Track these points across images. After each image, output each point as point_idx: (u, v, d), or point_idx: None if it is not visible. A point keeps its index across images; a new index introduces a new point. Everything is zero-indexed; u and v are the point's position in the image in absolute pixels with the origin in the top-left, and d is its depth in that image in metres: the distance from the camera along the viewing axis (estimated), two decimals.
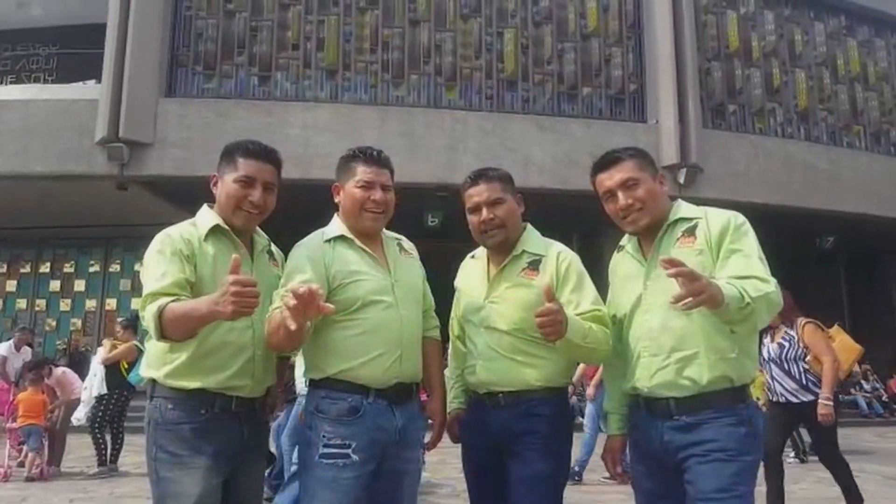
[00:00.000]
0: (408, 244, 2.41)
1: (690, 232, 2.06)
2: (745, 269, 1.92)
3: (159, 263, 1.96)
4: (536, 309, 1.97)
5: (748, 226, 2.05)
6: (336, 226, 2.26)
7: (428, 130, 11.04)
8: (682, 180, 11.15)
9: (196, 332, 1.90)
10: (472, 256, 2.51)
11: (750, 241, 2.00)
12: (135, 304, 11.76)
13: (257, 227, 2.24)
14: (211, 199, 2.20)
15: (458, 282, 2.49)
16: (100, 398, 6.98)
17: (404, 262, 2.31)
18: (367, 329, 2.10)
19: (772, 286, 1.89)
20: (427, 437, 2.41)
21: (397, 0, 11.93)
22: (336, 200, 2.28)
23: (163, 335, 1.88)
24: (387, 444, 2.12)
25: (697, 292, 1.71)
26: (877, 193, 12.75)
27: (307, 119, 10.79)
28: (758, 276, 1.89)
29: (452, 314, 2.52)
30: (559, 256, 2.29)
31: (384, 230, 2.33)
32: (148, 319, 1.89)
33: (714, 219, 2.05)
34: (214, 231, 2.09)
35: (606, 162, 2.17)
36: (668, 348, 2.01)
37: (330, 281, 2.12)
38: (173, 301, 1.88)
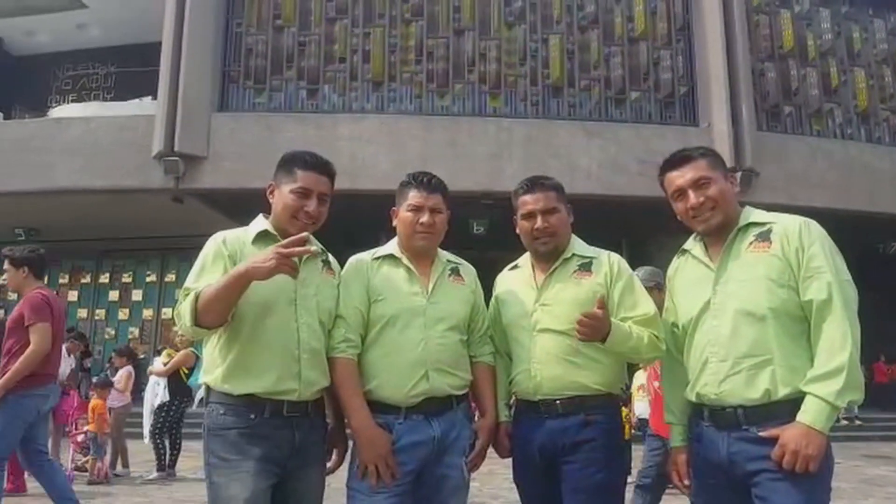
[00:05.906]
0: (465, 270, 2.43)
1: (765, 237, 1.99)
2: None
3: (203, 266, 2.09)
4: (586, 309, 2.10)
5: (820, 233, 1.98)
6: (390, 245, 2.36)
7: (472, 139, 11.03)
8: (736, 185, 10.85)
9: (230, 306, 1.97)
10: (513, 267, 2.51)
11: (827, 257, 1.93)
12: None
13: (311, 236, 2.27)
14: (263, 209, 2.28)
15: (500, 292, 2.47)
16: (161, 406, 7.16)
17: (449, 286, 2.34)
18: (390, 350, 2.19)
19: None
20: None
21: (442, 10, 12.00)
22: (394, 224, 2.37)
23: (197, 322, 1.96)
24: (426, 454, 2.16)
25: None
26: None
27: (354, 131, 10.90)
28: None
29: (492, 326, 2.46)
30: (610, 258, 2.36)
31: (444, 253, 2.41)
32: (184, 308, 1.98)
33: (790, 227, 1.97)
34: (263, 236, 2.16)
35: (678, 160, 2.14)
36: (739, 354, 1.93)
37: (370, 295, 2.23)
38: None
